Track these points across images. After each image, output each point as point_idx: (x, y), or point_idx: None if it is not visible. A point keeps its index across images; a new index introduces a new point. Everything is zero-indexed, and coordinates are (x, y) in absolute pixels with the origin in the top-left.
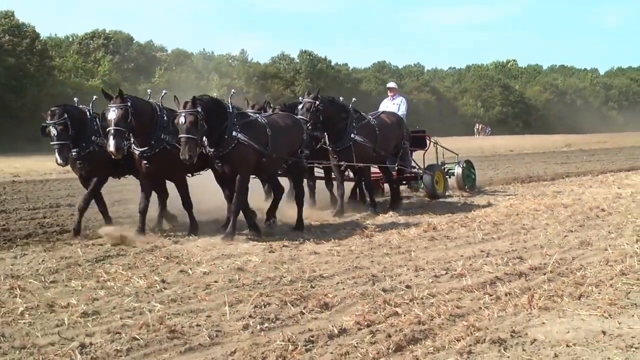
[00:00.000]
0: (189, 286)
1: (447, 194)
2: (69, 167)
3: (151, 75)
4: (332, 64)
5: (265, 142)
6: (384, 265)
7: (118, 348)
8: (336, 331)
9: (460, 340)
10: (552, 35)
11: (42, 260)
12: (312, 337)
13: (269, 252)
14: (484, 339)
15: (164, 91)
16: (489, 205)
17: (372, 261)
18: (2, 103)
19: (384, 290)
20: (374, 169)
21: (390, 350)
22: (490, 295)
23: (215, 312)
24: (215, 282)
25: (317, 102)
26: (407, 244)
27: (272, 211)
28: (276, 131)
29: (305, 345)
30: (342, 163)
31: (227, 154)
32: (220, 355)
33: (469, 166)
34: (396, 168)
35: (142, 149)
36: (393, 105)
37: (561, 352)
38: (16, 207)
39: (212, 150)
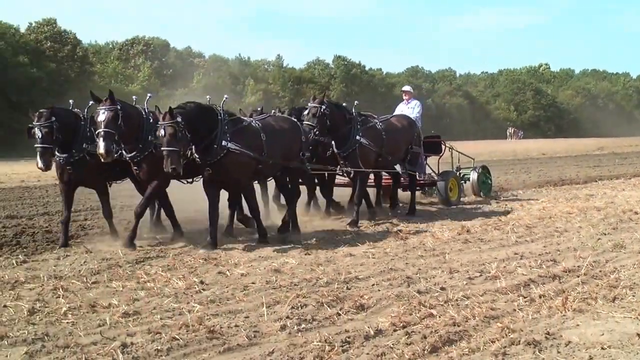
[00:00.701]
0: (227, 287)
1: (462, 200)
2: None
3: (189, 81)
4: (366, 68)
5: (260, 148)
6: (418, 268)
7: (158, 348)
8: (372, 332)
9: (495, 342)
10: (585, 39)
11: (84, 262)
12: (349, 337)
13: (305, 254)
14: (519, 341)
15: (149, 95)
16: (522, 208)
17: (406, 263)
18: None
19: (419, 292)
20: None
21: (425, 352)
22: (525, 298)
23: (253, 313)
24: (253, 283)
25: (324, 107)
26: (441, 246)
27: (292, 222)
28: (272, 135)
29: (342, 346)
30: (349, 169)
31: (218, 162)
32: (258, 355)
33: (484, 172)
34: (401, 173)
35: (131, 154)
36: (408, 108)
37: (596, 354)
38: (58, 209)
39: (200, 157)
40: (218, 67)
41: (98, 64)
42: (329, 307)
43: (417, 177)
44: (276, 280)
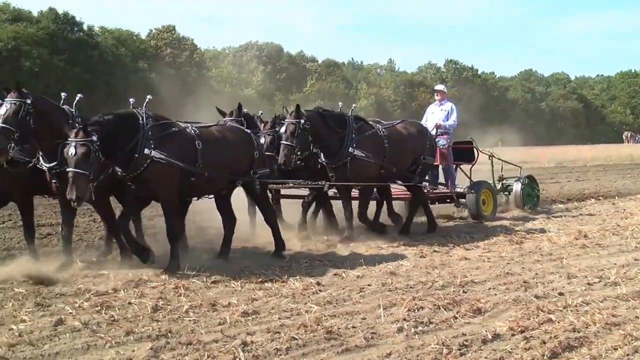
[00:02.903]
0: (343, 289)
1: (504, 214)
2: None
3: (302, 85)
4: (479, 72)
5: (192, 157)
6: (535, 272)
7: (278, 347)
8: (490, 336)
9: (617, 349)
10: None
11: (204, 262)
12: (466, 341)
13: (420, 257)
14: None
15: (148, 97)
16: None
17: (523, 267)
18: (164, 111)
19: (537, 296)
20: (399, 187)
21: (545, 357)
22: None
23: (370, 314)
24: (369, 285)
25: (302, 121)
26: (558, 251)
27: (226, 246)
28: (210, 145)
29: (460, 349)
30: (323, 183)
31: (140, 175)
32: (376, 356)
33: (530, 183)
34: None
35: (51, 164)
36: (441, 111)
37: None
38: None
39: (120, 171)
40: (331, 72)
41: (213, 69)
42: (445, 310)
43: (440, 189)
44: (392, 283)
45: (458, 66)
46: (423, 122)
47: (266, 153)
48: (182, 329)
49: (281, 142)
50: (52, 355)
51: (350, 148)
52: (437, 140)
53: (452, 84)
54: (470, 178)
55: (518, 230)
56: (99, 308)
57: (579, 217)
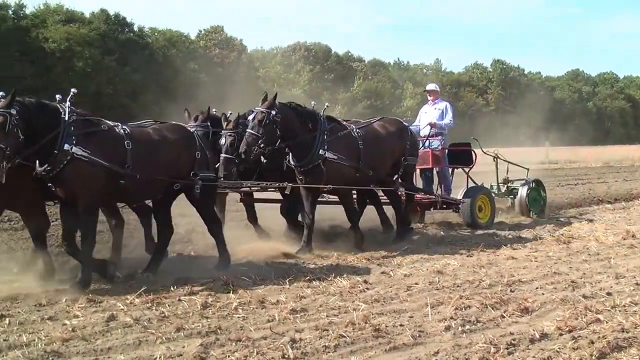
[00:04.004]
0: (390, 287)
1: (508, 220)
2: None
3: (349, 85)
4: (525, 72)
5: (121, 157)
6: (583, 272)
7: (326, 344)
8: (537, 335)
9: None
10: None
11: (251, 259)
12: (514, 340)
13: (467, 256)
14: None
15: (72, 90)
16: None
17: (570, 267)
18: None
19: (584, 296)
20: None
21: (593, 357)
22: None
23: (417, 313)
24: (416, 284)
25: (274, 113)
26: (606, 251)
27: (156, 260)
28: (143, 145)
29: (507, 349)
30: (285, 184)
31: (60, 174)
32: (423, 355)
33: (537, 187)
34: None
35: (42, 167)
36: (434, 110)
37: None
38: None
39: (40, 169)
40: (377, 72)
41: (261, 69)
42: (492, 309)
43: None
44: (439, 281)
45: (505, 66)
46: (416, 123)
47: (225, 155)
48: (231, 325)
49: (246, 130)
50: (105, 351)
51: (321, 150)
52: (430, 141)
53: (498, 84)
54: (473, 182)
55: (565, 230)
56: (150, 304)
57: (627, 217)
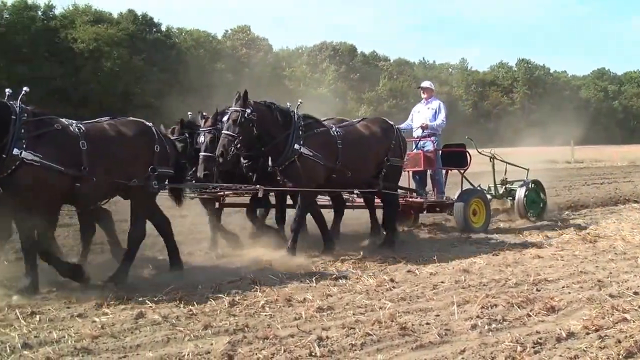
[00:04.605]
0: (416, 286)
1: (507, 222)
2: None
3: (375, 84)
4: (551, 71)
5: (76, 160)
6: (609, 271)
7: (353, 342)
8: (564, 334)
9: None
10: None
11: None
12: (540, 339)
13: (493, 255)
14: None
15: (24, 88)
16: None
17: (596, 266)
18: None
19: (611, 295)
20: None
21: (620, 356)
22: None
23: (444, 311)
24: (442, 282)
25: (249, 111)
26: (633, 250)
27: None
28: (99, 144)
29: (534, 347)
30: (257, 187)
31: (8, 178)
32: (450, 353)
33: (536, 188)
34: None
35: None
36: (427, 110)
37: None
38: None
39: None
40: (402, 71)
41: (287, 69)
42: (519, 308)
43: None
44: (465, 280)
45: (530, 65)
46: (408, 122)
47: (204, 154)
48: (259, 323)
49: (222, 131)
50: (134, 348)
51: (296, 145)
52: (422, 143)
53: (523, 83)
54: (470, 183)
55: (591, 229)
56: (178, 302)
57: None
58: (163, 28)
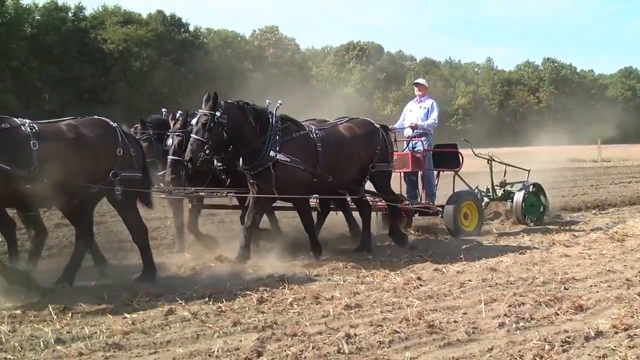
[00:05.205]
0: (443, 284)
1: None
2: None
3: (401, 83)
4: (577, 70)
5: (26, 160)
6: (637, 270)
7: (380, 340)
8: (592, 333)
9: None
10: None
11: (308, 257)
12: (568, 338)
13: (520, 253)
14: None
15: None
16: None
17: (625, 265)
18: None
19: None
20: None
21: None
22: None
23: (471, 309)
24: (469, 280)
25: (218, 114)
26: None
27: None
28: (53, 144)
29: (562, 346)
30: (224, 191)
31: None
32: (477, 351)
33: (536, 192)
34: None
35: None
36: (420, 109)
37: None
38: None
39: None
40: (429, 70)
41: (314, 68)
42: (546, 306)
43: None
44: (492, 279)
45: (556, 64)
46: (400, 121)
47: (172, 157)
48: (287, 320)
49: (190, 135)
50: (164, 344)
51: (271, 152)
52: (413, 143)
53: (550, 82)
54: (467, 185)
55: (619, 228)
56: (207, 299)
57: None
58: (191, 28)
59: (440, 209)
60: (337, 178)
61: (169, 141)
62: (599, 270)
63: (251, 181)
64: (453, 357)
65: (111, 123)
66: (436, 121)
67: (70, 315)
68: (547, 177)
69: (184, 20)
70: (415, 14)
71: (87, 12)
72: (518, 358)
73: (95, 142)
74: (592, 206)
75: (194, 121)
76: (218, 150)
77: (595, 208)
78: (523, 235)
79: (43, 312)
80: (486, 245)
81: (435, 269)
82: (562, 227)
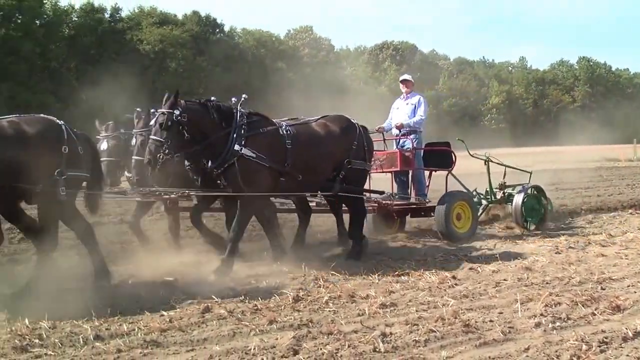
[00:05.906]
0: (479, 283)
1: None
2: None
3: (435, 83)
4: (613, 69)
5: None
6: None
7: (416, 339)
8: (630, 334)
9: None
10: None
11: (338, 255)
12: (606, 338)
13: (555, 253)
14: None
15: None
16: None
17: None
18: (298, 110)
19: None
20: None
21: None
22: None
23: (507, 309)
24: (505, 280)
25: (177, 113)
26: None
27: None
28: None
29: (600, 346)
30: (186, 191)
31: None
32: (514, 351)
33: (537, 194)
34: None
35: None
36: (406, 105)
37: None
38: None
39: None
40: (462, 69)
41: (349, 68)
42: (583, 306)
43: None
44: (528, 278)
45: (591, 63)
46: (388, 120)
47: (135, 157)
48: (323, 319)
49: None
50: (201, 341)
51: (236, 145)
52: (402, 141)
53: (584, 81)
54: (464, 186)
55: None
56: (243, 297)
57: None
58: (226, 29)
59: (429, 201)
60: (308, 177)
61: (133, 141)
62: (636, 270)
63: (218, 181)
64: (489, 357)
65: (57, 121)
66: (423, 117)
67: (108, 312)
68: (582, 177)
69: (219, 21)
70: (449, 14)
71: (124, 13)
72: (555, 358)
73: (37, 139)
74: (628, 205)
75: (152, 122)
76: (180, 150)
77: (631, 207)
78: (559, 235)
79: (82, 309)
80: (521, 245)
81: (471, 268)
82: (596, 227)
